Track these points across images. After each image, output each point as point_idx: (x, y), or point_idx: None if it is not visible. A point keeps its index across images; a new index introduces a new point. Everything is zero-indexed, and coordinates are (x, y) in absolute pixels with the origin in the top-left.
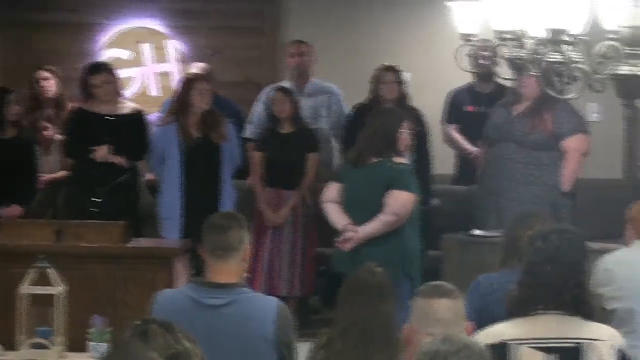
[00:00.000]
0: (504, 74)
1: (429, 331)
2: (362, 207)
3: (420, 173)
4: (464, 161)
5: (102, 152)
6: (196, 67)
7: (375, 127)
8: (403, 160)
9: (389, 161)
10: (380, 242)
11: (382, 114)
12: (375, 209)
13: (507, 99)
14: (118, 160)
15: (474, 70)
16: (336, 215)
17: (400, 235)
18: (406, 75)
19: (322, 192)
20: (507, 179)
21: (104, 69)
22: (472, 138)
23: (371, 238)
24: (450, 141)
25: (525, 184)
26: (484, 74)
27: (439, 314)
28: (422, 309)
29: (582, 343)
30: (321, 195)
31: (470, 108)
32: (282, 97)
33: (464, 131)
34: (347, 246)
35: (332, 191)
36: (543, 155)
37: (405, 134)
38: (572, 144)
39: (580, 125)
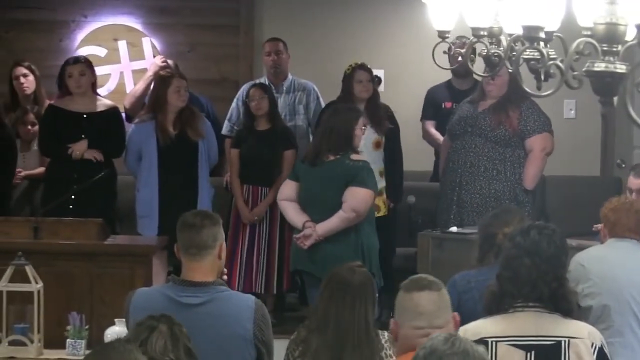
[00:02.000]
0: (480, 70)
1: (414, 324)
2: (321, 204)
3: (392, 171)
4: None
5: (80, 147)
6: (158, 59)
7: (332, 126)
8: (361, 157)
9: (347, 158)
10: (339, 239)
11: (338, 112)
12: (334, 206)
13: (473, 96)
14: (96, 155)
15: (451, 67)
16: (294, 213)
17: (358, 232)
18: (379, 73)
19: None
20: (470, 172)
21: (82, 61)
22: None
23: (329, 235)
24: (428, 137)
25: (488, 178)
26: (461, 71)
27: (420, 307)
28: (404, 303)
29: (561, 341)
30: None
31: (448, 104)
32: (260, 94)
33: (442, 127)
34: (307, 243)
35: (288, 189)
36: (507, 152)
37: (360, 131)
38: (537, 142)
39: (546, 125)
